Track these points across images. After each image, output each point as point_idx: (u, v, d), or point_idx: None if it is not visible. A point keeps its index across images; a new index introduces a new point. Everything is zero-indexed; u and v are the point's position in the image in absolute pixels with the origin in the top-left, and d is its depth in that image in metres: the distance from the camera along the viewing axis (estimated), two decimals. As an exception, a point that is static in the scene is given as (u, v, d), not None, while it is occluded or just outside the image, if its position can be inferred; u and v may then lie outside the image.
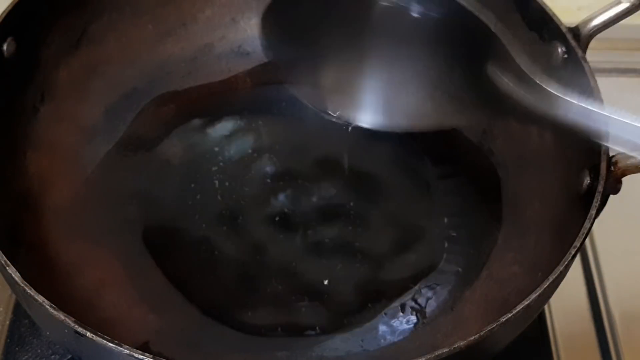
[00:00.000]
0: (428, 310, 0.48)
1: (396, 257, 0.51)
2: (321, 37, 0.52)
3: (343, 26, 0.52)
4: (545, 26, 0.49)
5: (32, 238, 0.48)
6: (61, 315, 0.35)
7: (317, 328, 0.48)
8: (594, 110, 0.40)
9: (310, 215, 0.53)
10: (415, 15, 0.50)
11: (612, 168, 0.41)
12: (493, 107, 0.50)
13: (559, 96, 0.42)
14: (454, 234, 0.52)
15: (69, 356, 0.48)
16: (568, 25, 0.47)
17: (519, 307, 0.37)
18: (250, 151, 0.56)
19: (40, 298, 0.36)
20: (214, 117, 0.58)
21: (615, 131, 0.39)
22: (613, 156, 0.41)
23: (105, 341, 0.34)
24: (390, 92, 0.52)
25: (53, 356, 0.49)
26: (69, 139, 0.53)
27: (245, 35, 0.60)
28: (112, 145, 0.54)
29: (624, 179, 0.41)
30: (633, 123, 0.38)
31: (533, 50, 0.50)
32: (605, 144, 0.41)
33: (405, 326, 0.48)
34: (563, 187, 0.47)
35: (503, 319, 0.36)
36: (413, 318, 0.48)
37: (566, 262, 0.39)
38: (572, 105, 0.41)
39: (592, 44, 0.47)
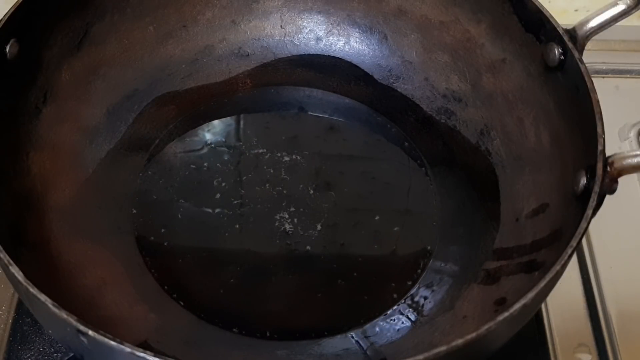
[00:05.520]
0: (426, 309, 0.49)
1: (394, 257, 0.52)
2: None
3: None
4: (542, 28, 0.49)
5: (34, 237, 0.48)
6: (63, 314, 0.36)
7: (316, 328, 0.48)
8: None
9: (309, 219, 0.53)
10: None
11: (609, 168, 0.41)
12: None
13: None
14: (452, 233, 0.52)
15: (71, 354, 0.48)
16: (565, 27, 0.48)
17: (517, 306, 0.37)
18: (249, 152, 0.56)
19: (42, 297, 0.36)
20: (214, 117, 0.58)
21: None
22: (609, 157, 0.42)
23: (106, 339, 0.35)
24: None
25: (55, 354, 0.49)
26: (71, 140, 0.53)
27: (245, 37, 0.60)
28: (114, 146, 0.55)
29: (620, 179, 0.42)
30: None
31: (530, 52, 0.50)
32: None
33: (404, 325, 0.48)
34: (560, 187, 0.47)
35: (500, 318, 0.36)
36: (411, 317, 0.48)
37: (563, 261, 0.39)
38: None
39: (589, 45, 0.48)
